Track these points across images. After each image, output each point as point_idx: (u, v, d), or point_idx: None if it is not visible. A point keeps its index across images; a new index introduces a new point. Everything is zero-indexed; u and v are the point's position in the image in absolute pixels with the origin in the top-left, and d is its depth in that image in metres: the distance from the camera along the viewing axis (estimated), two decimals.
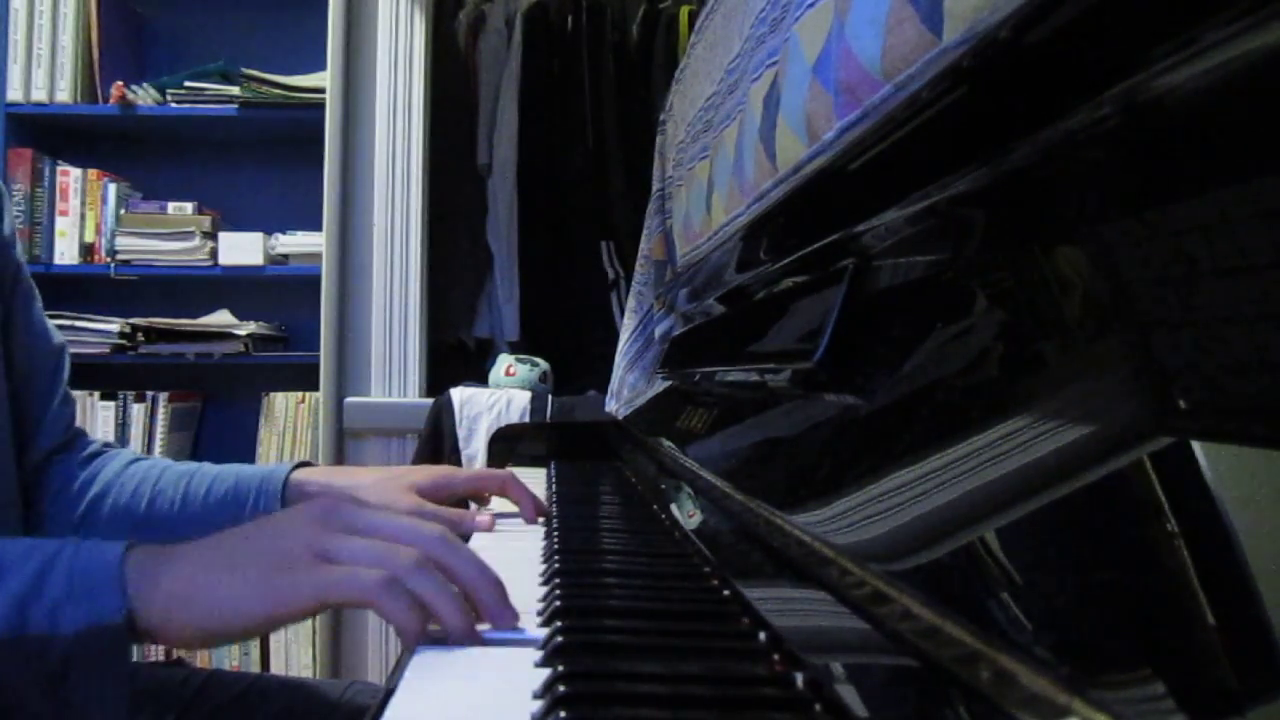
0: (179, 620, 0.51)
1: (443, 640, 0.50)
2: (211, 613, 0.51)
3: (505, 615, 0.52)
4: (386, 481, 0.85)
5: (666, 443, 0.92)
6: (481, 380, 2.22)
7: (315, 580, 0.51)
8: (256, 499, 0.86)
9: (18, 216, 2.28)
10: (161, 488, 0.87)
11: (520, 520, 0.88)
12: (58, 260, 2.32)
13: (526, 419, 2.01)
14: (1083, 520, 0.30)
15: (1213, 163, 0.29)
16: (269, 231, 2.34)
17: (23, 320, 0.84)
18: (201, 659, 2.11)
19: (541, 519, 0.87)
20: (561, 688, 0.40)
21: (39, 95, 2.29)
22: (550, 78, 2.43)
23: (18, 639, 0.49)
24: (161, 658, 2.11)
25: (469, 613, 0.51)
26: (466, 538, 0.81)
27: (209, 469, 0.90)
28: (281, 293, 2.48)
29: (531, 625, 0.52)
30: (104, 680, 0.50)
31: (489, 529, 0.83)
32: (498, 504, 0.92)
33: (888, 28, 0.56)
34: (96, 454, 0.91)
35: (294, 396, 2.34)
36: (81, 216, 2.34)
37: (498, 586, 0.53)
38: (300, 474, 0.88)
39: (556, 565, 0.63)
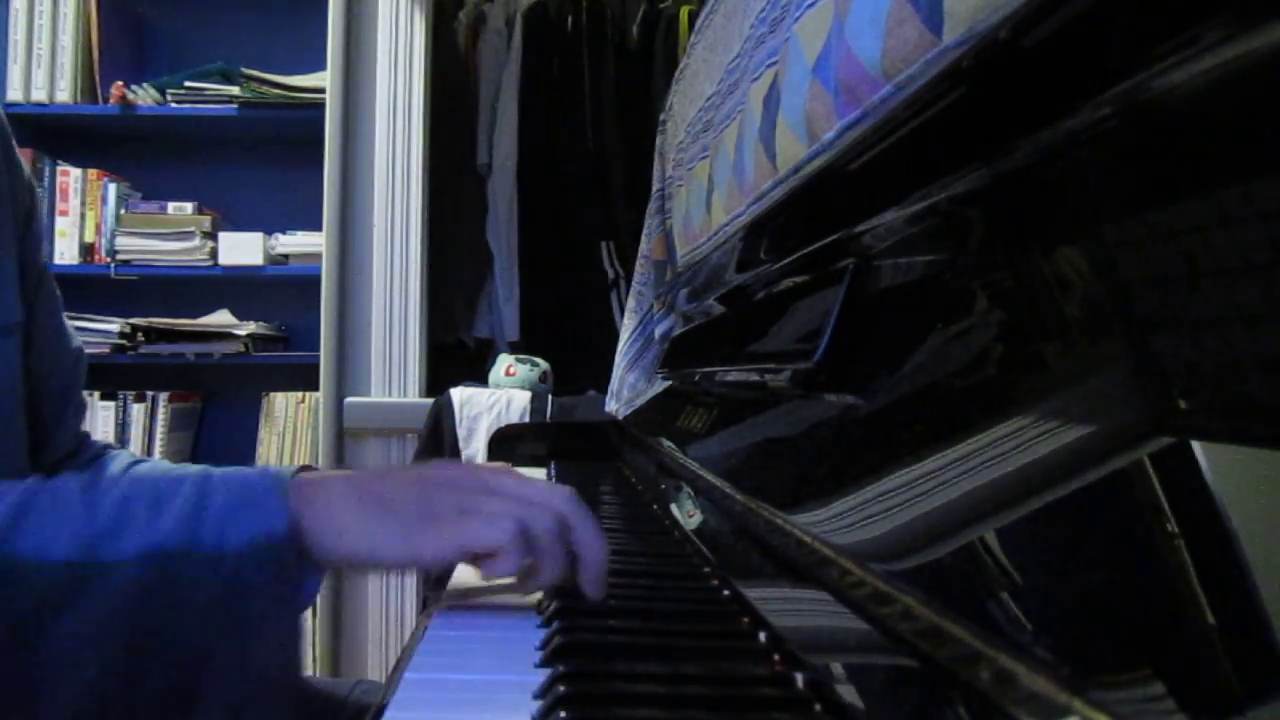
0: (330, 544, 0.53)
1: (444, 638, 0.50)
2: (361, 545, 0.54)
3: (598, 588, 0.54)
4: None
5: (666, 443, 0.92)
6: (481, 380, 2.22)
7: (457, 534, 0.53)
8: None
9: None
10: None
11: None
12: (58, 260, 2.32)
13: (526, 419, 2.01)
14: (1083, 520, 0.30)
15: (1213, 163, 0.29)
16: (269, 231, 2.34)
17: (44, 323, 0.84)
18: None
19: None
20: (561, 688, 0.40)
21: (39, 95, 2.29)
22: (550, 78, 2.43)
23: (189, 554, 0.50)
24: None
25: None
26: None
27: (210, 472, 0.89)
28: (281, 293, 2.48)
29: (531, 625, 0.52)
30: (277, 589, 0.51)
31: None
32: None
33: (888, 28, 0.56)
34: (98, 456, 0.90)
35: (294, 396, 2.34)
36: (81, 216, 2.34)
37: (603, 562, 0.55)
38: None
39: None
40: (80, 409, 0.89)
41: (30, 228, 0.82)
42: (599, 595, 0.54)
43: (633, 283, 1.63)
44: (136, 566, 0.49)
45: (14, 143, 0.79)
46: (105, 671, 0.48)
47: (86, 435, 0.92)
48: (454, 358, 2.40)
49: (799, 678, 0.41)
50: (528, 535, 0.53)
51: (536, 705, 0.40)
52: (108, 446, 0.93)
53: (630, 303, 1.63)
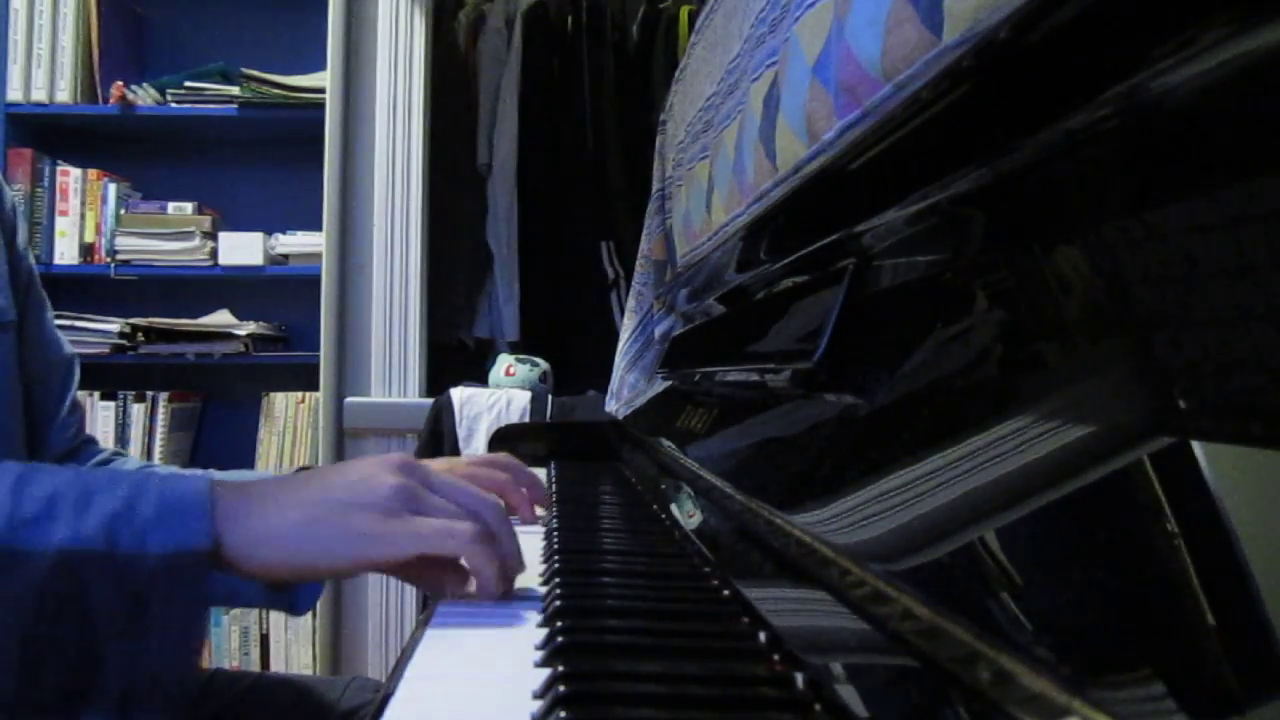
0: (264, 555, 0.54)
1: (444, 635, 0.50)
2: (300, 552, 0.54)
3: (501, 589, 0.57)
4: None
5: (666, 443, 0.92)
6: (481, 380, 2.22)
7: (411, 532, 0.54)
8: None
9: None
10: None
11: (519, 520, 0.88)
12: (58, 260, 2.32)
13: (526, 419, 2.01)
14: (1083, 520, 0.30)
15: (1213, 163, 0.29)
16: (269, 231, 2.34)
17: (35, 328, 0.85)
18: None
19: (541, 520, 0.87)
20: (561, 688, 0.40)
21: (39, 95, 2.29)
22: (550, 78, 2.43)
23: (107, 555, 0.50)
24: None
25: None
26: None
27: (213, 475, 0.89)
28: (281, 293, 2.48)
29: (531, 625, 0.52)
30: (184, 601, 0.51)
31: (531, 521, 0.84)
32: None
33: (888, 28, 0.56)
34: (105, 462, 0.91)
35: (294, 396, 2.34)
36: (81, 216, 2.34)
37: (515, 571, 0.58)
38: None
39: (556, 565, 0.63)
40: (76, 410, 0.90)
41: (15, 237, 0.83)
42: (499, 596, 0.57)
43: (633, 283, 1.63)
44: (50, 559, 0.49)
45: None
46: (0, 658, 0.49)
47: (91, 439, 0.92)
48: (454, 358, 2.40)
49: (799, 678, 0.41)
50: (491, 538, 0.56)
51: (536, 705, 0.40)
52: (117, 453, 0.93)
53: (630, 303, 1.63)
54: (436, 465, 0.84)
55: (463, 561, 0.57)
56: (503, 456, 0.88)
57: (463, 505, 0.57)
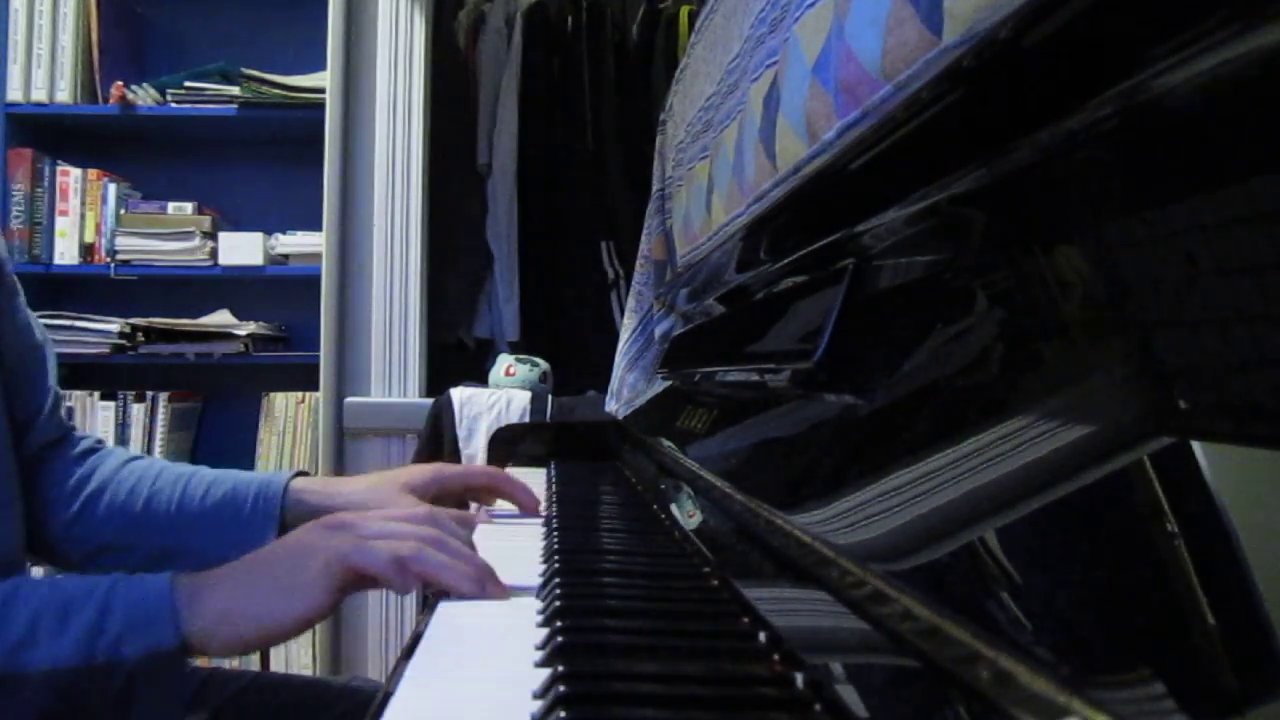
0: (224, 635, 0.60)
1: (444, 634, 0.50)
2: (252, 623, 0.60)
3: (476, 588, 0.60)
4: (381, 485, 0.88)
5: (666, 443, 0.92)
6: (481, 380, 2.22)
7: (331, 573, 0.60)
8: (255, 504, 0.86)
9: (17, 217, 2.28)
10: (159, 488, 0.87)
11: (520, 519, 0.88)
12: (58, 260, 2.32)
13: (526, 419, 2.01)
14: (1083, 520, 0.30)
15: (1213, 163, 0.29)
16: (269, 231, 2.34)
17: (8, 315, 0.84)
18: (200, 658, 2.11)
19: (541, 516, 0.88)
20: (561, 688, 0.40)
21: (39, 95, 2.29)
22: (550, 78, 2.43)
23: (88, 668, 0.56)
24: None
25: (474, 576, 0.60)
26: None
27: (206, 473, 0.90)
28: (281, 293, 2.48)
29: (531, 625, 0.52)
30: (164, 696, 0.57)
31: (485, 522, 0.86)
32: (502, 504, 0.93)
33: (888, 28, 0.56)
34: (90, 450, 0.90)
35: (294, 396, 2.34)
36: (81, 216, 2.34)
37: (480, 568, 0.61)
38: (299, 483, 0.88)
39: (556, 565, 0.63)
40: (58, 397, 0.89)
41: None
42: (477, 594, 0.60)
43: (633, 283, 1.63)
44: (41, 678, 0.55)
45: None
46: None
47: (73, 427, 0.92)
48: (454, 358, 2.40)
49: (799, 678, 0.41)
50: (403, 560, 0.59)
51: (536, 705, 0.40)
52: (99, 442, 0.93)
53: (630, 303, 1.63)
54: (423, 471, 0.88)
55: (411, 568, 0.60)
56: (488, 470, 0.94)
57: (391, 532, 0.62)
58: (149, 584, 0.61)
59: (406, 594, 0.60)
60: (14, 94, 2.28)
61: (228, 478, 0.89)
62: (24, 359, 0.85)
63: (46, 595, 0.59)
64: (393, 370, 2.23)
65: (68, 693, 0.55)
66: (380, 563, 0.59)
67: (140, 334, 2.33)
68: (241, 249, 2.30)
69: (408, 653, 0.48)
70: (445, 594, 0.61)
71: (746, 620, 0.50)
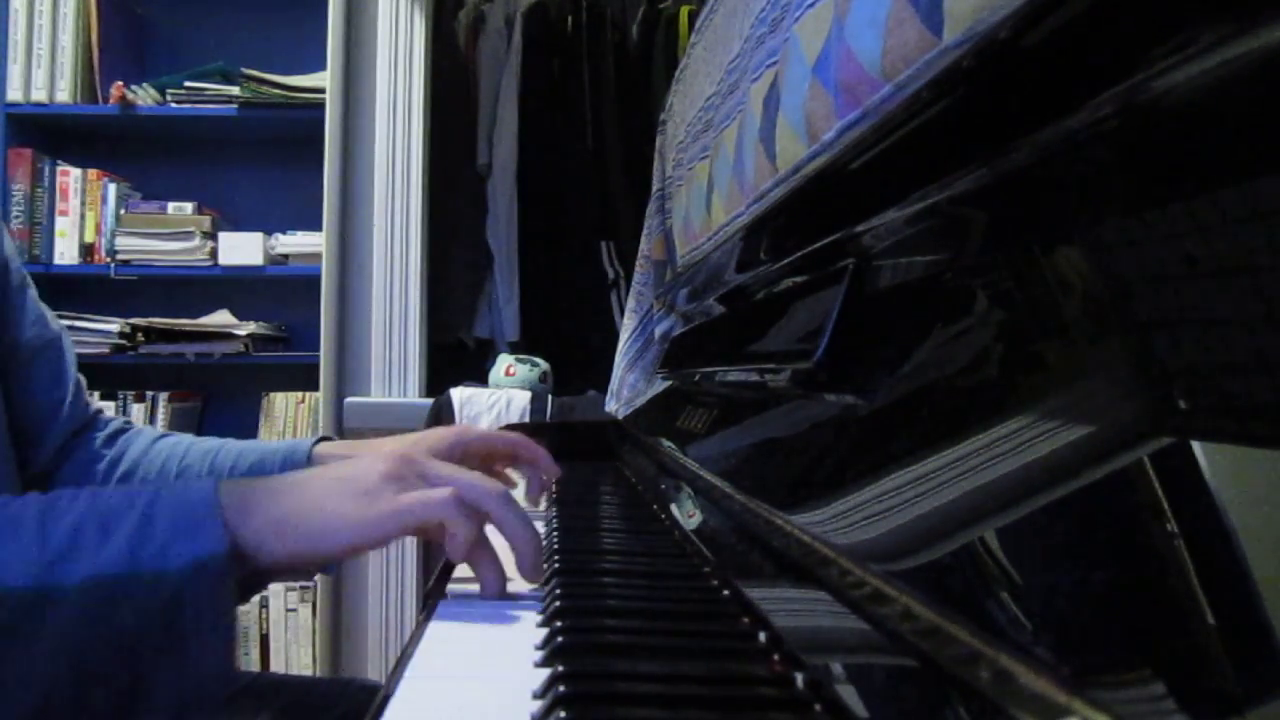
0: (273, 546, 0.56)
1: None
2: (306, 539, 0.57)
3: (534, 574, 0.60)
4: (404, 448, 0.86)
5: (666, 443, 0.92)
6: (481, 380, 2.22)
7: (391, 509, 0.57)
8: (282, 470, 0.86)
9: (17, 217, 2.29)
10: (189, 463, 0.88)
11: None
12: (58, 260, 2.32)
13: (526, 419, 2.01)
14: (1083, 520, 0.30)
15: (1212, 163, 0.29)
16: (269, 231, 2.34)
17: (20, 309, 0.85)
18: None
19: (543, 508, 0.88)
20: (561, 688, 0.40)
21: (39, 95, 2.29)
22: (550, 78, 2.43)
23: (133, 578, 0.53)
24: None
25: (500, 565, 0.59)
26: None
27: (233, 444, 0.90)
28: (281, 293, 2.48)
29: (531, 625, 0.52)
30: (213, 605, 0.53)
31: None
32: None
33: (888, 28, 0.56)
34: (119, 431, 0.91)
35: (294, 396, 2.34)
36: (81, 216, 2.34)
37: (536, 547, 0.60)
38: (323, 448, 0.89)
39: (556, 565, 0.63)
40: (80, 384, 0.90)
41: None
42: (536, 580, 0.60)
43: (633, 283, 1.63)
44: (84, 592, 0.52)
45: None
46: (52, 693, 0.50)
47: (100, 413, 0.93)
48: (454, 358, 2.40)
49: (799, 678, 0.41)
50: (466, 506, 0.57)
51: (536, 705, 0.40)
52: (128, 423, 0.93)
53: (630, 303, 1.63)
54: (445, 435, 0.85)
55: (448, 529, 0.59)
56: (510, 435, 0.90)
57: (461, 479, 0.60)
58: (193, 490, 0.58)
59: (459, 556, 0.58)
60: (14, 94, 2.28)
61: (254, 448, 0.89)
62: (42, 350, 0.86)
63: (86, 507, 0.55)
64: (393, 370, 2.23)
65: (113, 605, 0.52)
66: (442, 508, 0.57)
67: (140, 334, 2.33)
68: (241, 249, 2.31)
69: (407, 653, 0.48)
70: (444, 594, 0.61)
71: (746, 620, 0.50)
